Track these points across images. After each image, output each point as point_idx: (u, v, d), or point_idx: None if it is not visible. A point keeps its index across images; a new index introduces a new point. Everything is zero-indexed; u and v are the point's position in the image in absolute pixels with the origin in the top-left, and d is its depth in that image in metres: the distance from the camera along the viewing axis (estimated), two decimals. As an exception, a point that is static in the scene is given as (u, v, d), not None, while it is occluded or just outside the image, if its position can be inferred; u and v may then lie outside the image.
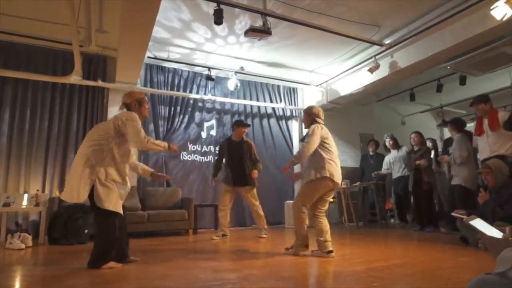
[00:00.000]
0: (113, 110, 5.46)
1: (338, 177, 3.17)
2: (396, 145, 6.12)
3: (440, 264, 2.67)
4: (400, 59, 5.26)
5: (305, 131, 3.47)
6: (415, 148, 5.41)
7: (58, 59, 5.23)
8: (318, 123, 3.32)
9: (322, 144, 3.19)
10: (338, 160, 3.29)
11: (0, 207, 4.24)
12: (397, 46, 5.18)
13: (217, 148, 6.37)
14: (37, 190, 4.68)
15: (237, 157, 4.65)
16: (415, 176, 5.26)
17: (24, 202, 4.44)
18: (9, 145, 4.84)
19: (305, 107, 7.23)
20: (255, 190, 4.72)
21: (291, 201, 6.35)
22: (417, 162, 5.21)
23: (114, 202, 2.53)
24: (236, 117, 6.65)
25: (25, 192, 4.70)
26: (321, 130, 3.22)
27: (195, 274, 2.41)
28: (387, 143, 6.20)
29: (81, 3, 4.07)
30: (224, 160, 4.83)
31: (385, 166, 6.25)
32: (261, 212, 4.71)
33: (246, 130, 4.81)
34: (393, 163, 6.09)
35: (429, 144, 5.73)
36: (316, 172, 3.10)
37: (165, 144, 2.75)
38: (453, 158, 4.55)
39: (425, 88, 6.98)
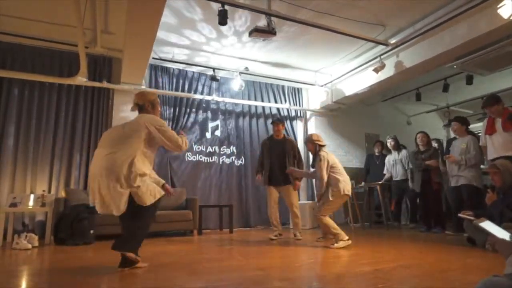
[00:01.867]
0: (118, 111, 5.51)
1: (349, 188, 3.79)
2: (397, 147, 6.06)
3: (447, 265, 2.64)
4: (406, 58, 5.22)
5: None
6: (422, 149, 5.36)
7: (64, 60, 5.28)
8: (321, 146, 3.92)
9: (331, 166, 3.77)
10: (345, 173, 3.85)
11: (7, 208, 4.28)
12: (403, 46, 5.14)
13: (221, 149, 6.39)
14: (43, 191, 4.72)
15: (278, 156, 4.52)
16: (423, 177, 5.20)
17: (31, 203, 4.47)
18: (15, 146, 4.89)
19: (310, 107, 7.28)
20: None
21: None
22: (427, 162, 5.16)
23: (153, 191, 2.43)
24: (241, 118, 6.66)
25: (31, 192, 4.74)
26: (328, 156, 3.80)
27: (199, 274, 2.40)
28: (388, 144, 6.16)
29: (86, 5, 4.10)
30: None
31: (385, 169, 6.21)
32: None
33: (281, 127, 4.62)
34: (392, 166, 6.04)
35: (434, 144, 5.67)
36: (333, 193, 3.68)
37: (185, 138, 2.70)
38: (467, 159, 4.48)
39: (431, 87, 6.92)
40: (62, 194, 4.84)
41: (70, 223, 4.20)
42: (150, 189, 2.42)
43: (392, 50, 5.29)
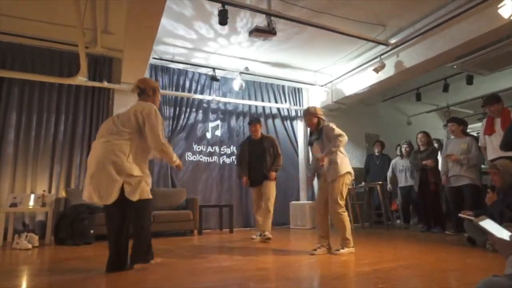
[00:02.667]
0: (119, 110, 5.46)
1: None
2: (410, 153, 5.96)
3: (448, 265, 2.64)
4: (406, 58, 5.22)
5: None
6: (422, 148, 5.36)
7: (64, 60, 5.28)
8: (324, 120, 3.50)
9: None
10: None
11: (7, 208, 4.28)
12: (403, 46, 5.14)
13: (222, 149, 6.40)
14: (44, 191, 4.72)
15: (258, 156, 4.44)
16: (421, 177, 5.21)
17: (31, 203, 4.47)
18: (16, 146, 4.89)
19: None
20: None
21: (296, 202, 6.39)
22: (424, 162, 5.16)
23: (147, 189, 2.41)
24: (241, 118, 6.66)
25: (31, 192, 4.74)
26: None
27: (200, 275, 2.40)
28: (403, 149, 5.99)
29: (87, 5, 4.10)
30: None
31: (390, 172, 6.17)
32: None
33: (258, 127, 4.55)
34: (400, 171, 5.99)
35: (435, 144, 5.65)
36: (343, 168, 3.21)
37: (177, 158, 2.59)
38: (469, 158, 4.49)
39: (431, 87, 6.92)
40: (63, 194, 4.85)
41: (71, 223, 4.21)
42: (142, 186, 2.39)
43: (392, 50, 5.29)
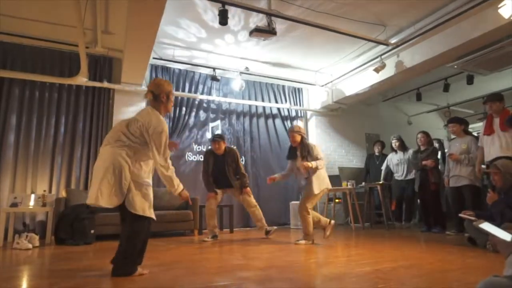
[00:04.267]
0: (119, 111, 5.51)
1: (328, 182, 4.00)
2: (403, 147, 6.02)
3: (448, 265, 2.64)
4: (406, 58, 5.22)
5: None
6: (422, 148, 5.36)
7: (64, 60, 5.28)
8: (306, 138, 4.06)
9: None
10: None
11: (8, 208, 4.28)
12: (403, 46, 5.14)
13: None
14: (44, 191, 4.72)
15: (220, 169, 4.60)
16: (421, 177, 5.21)
17: (31, 203, 4.47)
18: (16, 146, 4.89)
19: (310, 107, 7.29)
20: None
21: (297, 202, 6.38)
22: (424, 162, 5.16)
23: (148, 206, 2.31)
24: (241, 118, 6.66)
25: (32, 192, 4.74)
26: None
27: (200, 275, 2.40)
28: (393, 144, 6.12)
29: (87, 5, 4.10)
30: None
31: (384, 165, 6.20)
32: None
33: (217, 145, 4.57)
34: (397, 165, 6.02)
35: (436, 144, 5.66)
36: (320, 186, 3.85)
37: (179, 185, 2.43)
38: (470, 158, 4.49)
39: (431, 87, 6.92)
40: (63, 194, 4.85)
41: (71, 223, 4.21)
42: (142, 203, 2.28)
43: (392, 50, 5.29)
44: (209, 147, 6.20)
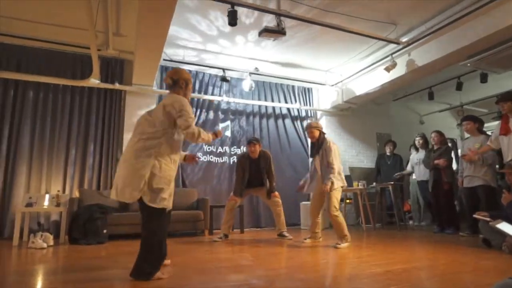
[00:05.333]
0: (130, 111, 5.58)
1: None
2: (425, 146, 5.92)
3: (462, 267, 2.59)
4: (418, 57, 5.15)
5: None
6: (435, 148, 5.28)
7: (77, 63, 5.38)
8: (325, 133, 4.03)
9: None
10: None
11: (23, 207, 4.37)
12: (415, 44, 5.07)
13: (232, 149, 6.41)
14: (58, 191, 4.82)
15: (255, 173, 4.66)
16: (434, 176, 5.13)
17: (46, 203, 4.56)
18: (31, 147, 5.00)
19: (320, 107, 7.26)
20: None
21: (307, 202, 6.36)
22: (436, 161, 5.08)
23: (168, 199, 2.31)
24: (251, 118, 6.67)
25: (46, 192, 4.84)
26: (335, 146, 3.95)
27: (211, 275, 2.42)
28: (416, 142, 6.02)
29: (98, 8, 4.17)
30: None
31: (410, 166, 6.13)
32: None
33: (253, 148, 4.60)
34: (416, 163, 5.94)
35: (450, 144, 5.56)
36: (337, 182, 3.80)
37: (210, 134, 2.50)
38: (485, 158, 4.40)
39: (444, 86, 6.82)
40: (76, 194, 4.93)
41: (84, 223, 4.28)
42: (164, 195, 2.27)
43: (403, 48, 5.22)
44: (223, 148, 6.29)
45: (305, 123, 7.17)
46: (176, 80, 2.47)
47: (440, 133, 5.33)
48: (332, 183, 3.74)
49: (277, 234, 4.60)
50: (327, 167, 3.83)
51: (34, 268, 2.71)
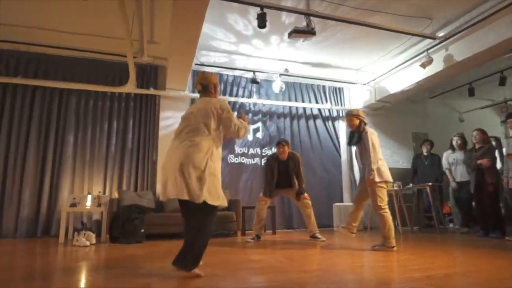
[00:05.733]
0: (164, 115, 5.78)
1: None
2: (464, 146, 5.65)
3: (508, 273, 2.44)
4: (456, 51, 4.92)
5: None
6: (477, 147, 5.00)
7: (115, 70, 5.67)
8: (365, 124, 3.79)
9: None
10: None
11: (68, 207, 4.65)
12: (453, 38, 4.85)
13: (263, 150, 6.44)
14: (99, 192, 5.09)
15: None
16: (477, 177, 4.86)
17: (88, 203, 4.81)
18: (74, 150, 5.34)
19: (352, 106, 7.11)
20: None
21: (340, 204, 6.25)
22: (479, 161, 4.81)
23: (222, 195, 2.40)
24: (281, 119, 6.66)
25: (88, 193, 5.11)
26: (375, 137, 3.71)
27: (243, 275, 2.44)
28: (454, 142, 5.75)
29: (134, 18, 4.36)
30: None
31: (445, 165, 5.85)
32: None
33: (281, 149, 4.59)
34: (454, 164, 5.66)
35: (493, 142, 5.26)
36: (381, 176, 3.60)
37: (246, 124, 2.60)
38: None
39: (485, 81, 6.44)
40: (115, 195, 5.17)
41: (123, 223, 4.47)
42: (218, 192, 2.35)
43: (440, 43, 5.01)
44: (255, 149, 6.34)
45: (336, 123, 7.07)
46: (206, 85, 2.61)
47: (482, 131, 5.04)
48: (373, 176, 3.55)
49: (309, 236, 4.56)
50: (368, 158, 3.63)
51: (78, 265, 2.87)
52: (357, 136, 3.75)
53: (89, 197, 4.86)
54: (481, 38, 4.53)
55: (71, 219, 4.84)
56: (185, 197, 2.25)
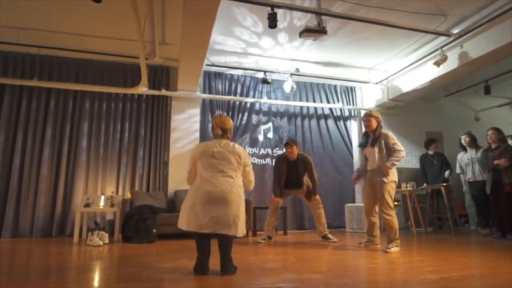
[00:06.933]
0: (176, 115, 5.83)
1: None
2: (474, 144, 5.53)
3: (528, 276, 2.36)
4: (472, 49, 4.80)
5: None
6: (493, 146, 4.88)
7: (127, 72, 5.74)
8: (382, 127, 3.80)
9: None
10: None
11: (82, 207, 4.73)
12: (468, 35, 4.74)
13: (274, 151, 6.42)
14: (112, 192, 5.15)
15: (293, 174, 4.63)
16: (494, 177, 4.74)
17: (101, 203, 4.88)
18: (88, 152, 5.42)
19: (364, 106, 7.03)
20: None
21: (352, 204, 6.19)
22: (495, 161, 4.69)
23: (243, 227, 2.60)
24: (293, 119, 6.63)
25: (102, 193, 5.19)
26: None
27: (255, 276, 2.44)
28: (462, 140, 5.62)
29: (145, 20, 4.41)
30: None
31: (458, 167, 5.73)
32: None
33: (290, 149, 4.55)
34: (467, 164, 5.53)
35: (509, 141, 5.12)
36: (391, 177, 3.61)
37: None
38: None
39: (502, 79, 6.29)
40: (128, 195, 5.23)
41: (135, 223, 4.52)
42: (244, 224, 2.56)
43: (455, 40, 4.90)
44: (265, 149, 6.33)
45: (348, 123, 7.00)
46: (225, 130, 2.72)
47: (498, 130, 4.92)
48: (388, 172, 3.55)
49: (320, 236, 4.52)
50: (393, 152, 3.65)
51: (92, 264, 2.91)
52: (372, 139, 3.75)
53: (103, 198, 4.93)
54: (498, 35, 4.41)
55: (85, 219, 4.92)
56: (232, 232, 2.43)
